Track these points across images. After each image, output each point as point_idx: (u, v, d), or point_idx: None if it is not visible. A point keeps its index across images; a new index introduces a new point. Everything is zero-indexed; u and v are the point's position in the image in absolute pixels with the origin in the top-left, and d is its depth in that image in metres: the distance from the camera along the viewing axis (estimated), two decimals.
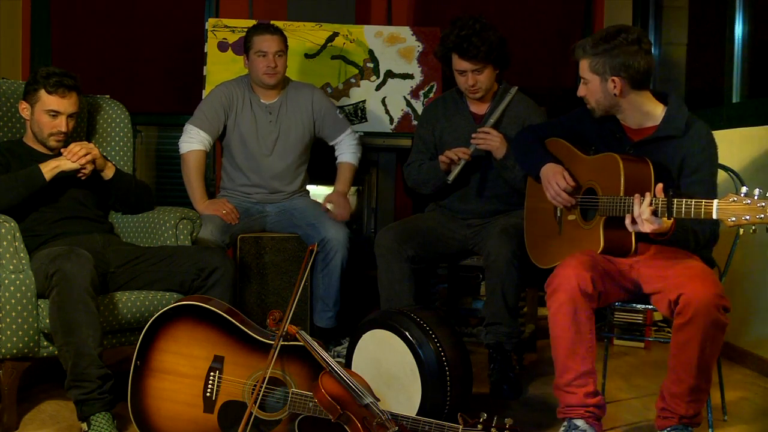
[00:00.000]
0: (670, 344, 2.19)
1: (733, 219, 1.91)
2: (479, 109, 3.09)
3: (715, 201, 1.96)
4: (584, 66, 2.38)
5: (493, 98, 3.07)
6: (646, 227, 2.11)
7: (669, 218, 2.09)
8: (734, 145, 3.29)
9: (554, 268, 2.32)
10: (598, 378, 2.34)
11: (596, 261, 2.28)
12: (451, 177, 2.97)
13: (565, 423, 2.28)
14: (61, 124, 2.67)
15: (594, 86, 2.38)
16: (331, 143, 3.54)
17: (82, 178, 2.70)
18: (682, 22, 4.34)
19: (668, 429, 2.22)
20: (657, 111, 2.40)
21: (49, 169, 2.60)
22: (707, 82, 4.06)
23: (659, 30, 4.35)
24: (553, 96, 4.03)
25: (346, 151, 3.52)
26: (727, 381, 2.67)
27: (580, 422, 2.24)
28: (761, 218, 1.87)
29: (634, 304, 2.49)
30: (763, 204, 1.87)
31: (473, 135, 2.95)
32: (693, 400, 2.19)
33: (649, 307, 2.40)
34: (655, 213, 2.09)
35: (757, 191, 1.90)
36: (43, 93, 2.64)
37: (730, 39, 3.58)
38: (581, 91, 2.43)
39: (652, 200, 2.09)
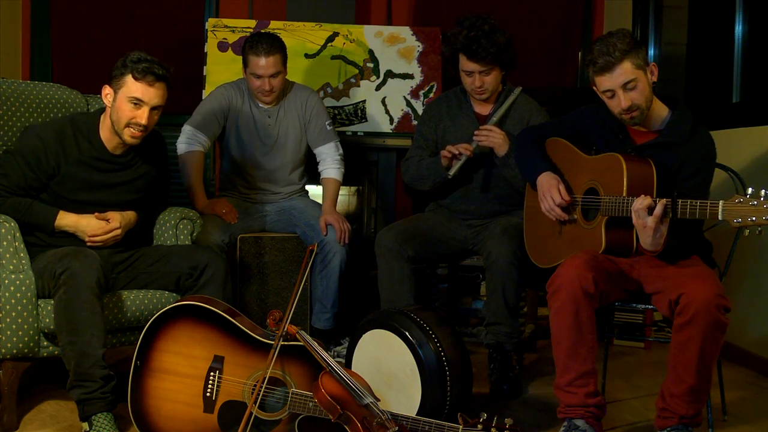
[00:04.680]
0: (670, 344, 2.20)
1: (739, 220, 1.90)
2: (483, 109, 3.09)
3: (721, 202, 1.95)
4: (628, 68, 2.26)
5: (497, 99, 3.07)
6: (640, 224, 2.12)
7: (674, 218, 2.09)
8: (734, 145, 3.29)
9: (555, 268, 2.32)
10: (598, 378, 2.34)
11: (598, 261, 2.28)
12: (451, 172, 2.96)
13: (566, 423, 2.28)
14: (143, 116, 2.48)
15: (643, 84, 2.29)
16: (314, 150, 3.45)
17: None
18: (682, 22, 4.33)
19: (668, 429, 2.21)
20: (663, 112, 2.39)
21: (63, 224, 2.52)
22: (707, 82, 4.05)
23: (659, 30, 4.34)
24: (553, 96, 4.01)
25: (331, 166, 3.41)
26: (727, 381, 2.67)
27: (580, 422, 2.24)
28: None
29: (634, 304, 2.49)
30: None
31: (476, 132, 2.95)
32: (693, 400, 2.18)
33: (649, 307, 2.41)
34: (651, 209, 2.09)
35: (763, 192, 1.89)
36: (129, 78, 2.47)
37: (730, 39, 3.58)
38: (627, 100, 2.29)
39: (654, 200, 2.09)
